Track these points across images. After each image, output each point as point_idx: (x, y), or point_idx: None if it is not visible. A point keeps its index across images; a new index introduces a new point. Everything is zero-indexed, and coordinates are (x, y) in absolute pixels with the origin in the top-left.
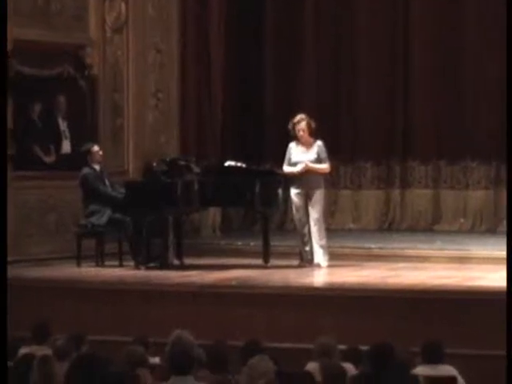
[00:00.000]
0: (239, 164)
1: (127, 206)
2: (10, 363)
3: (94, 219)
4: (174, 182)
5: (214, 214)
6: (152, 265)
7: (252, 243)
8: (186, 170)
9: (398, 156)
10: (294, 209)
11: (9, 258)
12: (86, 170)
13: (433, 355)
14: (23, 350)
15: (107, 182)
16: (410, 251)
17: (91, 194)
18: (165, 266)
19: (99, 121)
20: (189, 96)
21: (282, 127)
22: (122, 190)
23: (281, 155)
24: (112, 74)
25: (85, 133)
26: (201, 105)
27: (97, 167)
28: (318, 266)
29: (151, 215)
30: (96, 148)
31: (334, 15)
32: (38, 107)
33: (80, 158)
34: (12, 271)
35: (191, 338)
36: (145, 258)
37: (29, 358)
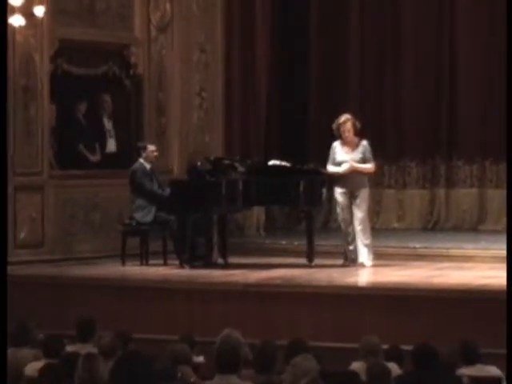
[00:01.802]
0: (283, 163)
1: (172, 205)
2: (55, 361)
3: (139, 216)
4: (219, 181)
5: (258, 213)
6: (196, 264)
7: (296, 242)
8: (231, 169)
9: (443, 155)
10: (338, 208)
11: (54, 257)
12: (136, 165)
13: (470, 355)
14: (68, 348)
15: (155, 181)
16: (455, 251)
17: (137, 188)
18: (209, 264)
19: (144, 120)
20: (233, 95)
21: (325, 126)
22: (169, 190)
23: (324, 154)
24: (157, 74)
25: (130, 132)
26: (245, 104)
27: (148, 166)
28: (362, 265)
29: (196, 214)
30: (152, 147)
31: (379, 15)
32: (83, 106)
33: (126, 157)
34: (57, 269)
35: (240, 338)
36: (189, 257)
37: (74, 356)
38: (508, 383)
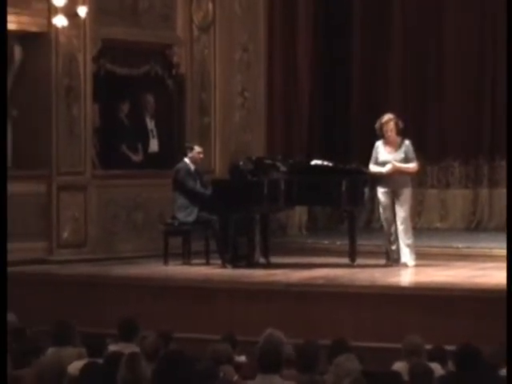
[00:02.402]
0: (325, 163)
1: (214, 205)
2: (99, 360)
3: (181, 215)
4: (261, 181)
5: (300, 212)
6: (238, 263)
7: (338, 242)
8: (272, 169)
9: (486, 155)
10: (380, 208)
11: (96, 256)
12: (180, 164)
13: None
14: (111, 348)
15: (198, 182)
16: (498, 251)
17: (180, 188)
18: (251, 264)
19: (186, 120)
20: (275, 95)
21: (368, 126)
22: (211, 190)
23: (367, 154)
24: (199, 73)
25: (172, 132)
26: (287, 104)
27: (192, 166)
28: (405, 265)
29: (238, 214)
30: (199, 149)
31: (421, 14)
32: (125, 106)
33: (169, 157)
34: (99, 269)
35: (282, 337)
36: (231, 257)
37: (117, 355)
38: (508, 382)
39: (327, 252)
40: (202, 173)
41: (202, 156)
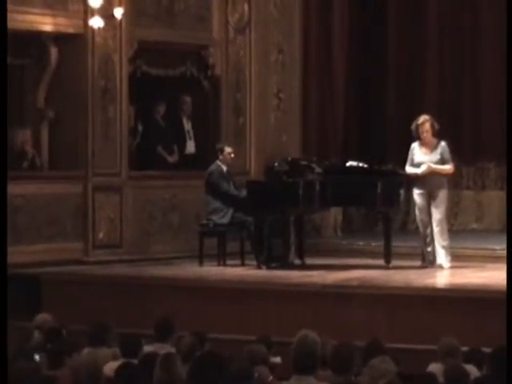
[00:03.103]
0: (361, 164)
1: (249, 206)
2: (133, 361)
3: (215, 218)
4: (296, 182)
5: (335, 213)
6: (273, 264)
7: (373, 243)
8: (308, 170)
9: None
10: (416, 209)
11: (132, 257)
12: (213, 167)
13: None
14: (146, 348)
15: (231, 183)
16: None
17: (214, 190)
18: (286, 265)
19: (222, 121)
20: (311, 96)
21: (404, 127)
22: (245, 191)
23: (403, 155)
24: (234, 74)
25: (207, 133)
26: (323, 105)
27: (224, 167)
28: (441, 267)
29: (273, 215)
30: (229, 149)
31: (457, 14)
32: (162, 108)
33: (204, 158)
34: (135, 270)
35: (317, 339)
36: (266, 258)
37: (152, 356)
38: (508, 382)
39: (362, 253)
40: (234, 174)
41: (233, 156)
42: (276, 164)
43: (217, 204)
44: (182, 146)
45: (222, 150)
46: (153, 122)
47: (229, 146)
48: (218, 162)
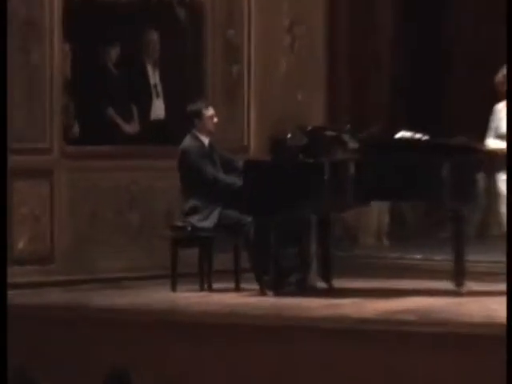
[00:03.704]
0: (418, 135)
1: (247, 200)
2: None
3: (196, 218)
4: (319, 164)
5: (379, 212)
6: (285, 289)
7: (437, 257)
8: (337, 145)
9: None
10: (502, 206)
11: (68, 277)
12: (188, 143)
13: None
14: None
15: (218, 164)
16: None
17: (193, 179)
18: (304, 290)
19: (206, 70)
20: (340, 32)
21: (478, 84)
22: (241, 177)
23: (479, 123)
24: (225, 1)
25: (185, 88)
26: (360, 47)
27: (205, 140)
28: None
29: (283, 214)
30: (210, 111)
31: None
32: (114, 51)
33: (179, 126)
34: (73, 296)
35: None
36: (274, 279)
37: None
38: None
39: (420, 272)
40: (224, 150)
41: (216, 120)
42: (288, 136)
43: (197, 200)
44: (146, 108)
45: (198, 114)
46: (100, 73)
47: (207, 105)
48: (196, 133)
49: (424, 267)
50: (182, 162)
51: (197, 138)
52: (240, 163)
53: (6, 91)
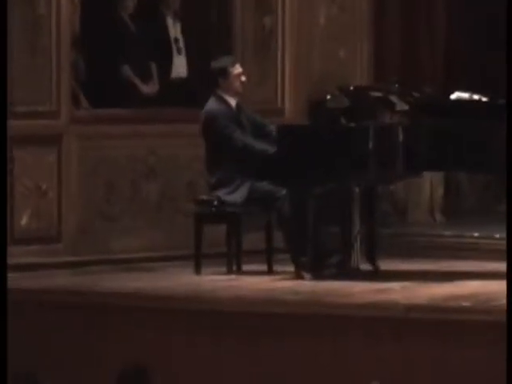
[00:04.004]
0: (476, 96)
1: (281, 170)
2: None
3: (223, 192)
4: (362, 129)
5: (432, 184)
6: (325, 272)
7: (497, 235)
8: (384, 107)
9: None
10: None
11: (78, 258)
12: (213, 105)
13: None
14: None
15: (248, 129)
16: None
17: (220, 147)
18: (346, 272)
19: (234, 23)
20: None
21: None
22: (275, 144)
23: None
24: None
25: (211, 42)
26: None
27: (232, 102)
28: None
29: (323, 186)
30: (237, 68)
31: None
32: (131, 1)
33: (204, 87)
34: (84, 280)
35: None
36: (313, 260)
37: None
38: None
39: (478, 252)
40: (255, 112)
41: (244, 78)
42: (328, 97)
43: (224, 169)
44: (166, 65)
45: (223, 72)
46: (115, 25)
47: (234, 62)
48: (221, 94)
49: (483, 246)
50: (207, 127)
51: (222, 100)
52: (273, 128)
53: (5, 45)
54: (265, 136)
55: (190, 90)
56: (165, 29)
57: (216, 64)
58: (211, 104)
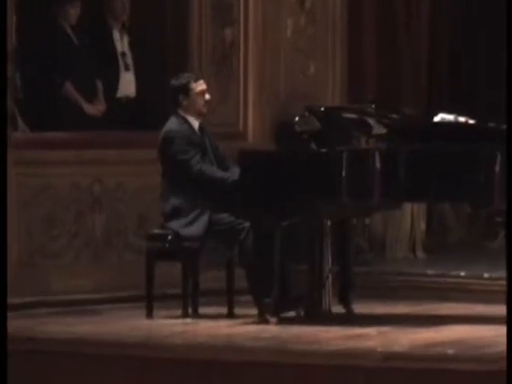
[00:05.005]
0: (462, 119)
1: (244, 201)
2: None
3: (179, 225)
4: (335, 154)
5: (412, 216)
6: (292, 314)
7: (486, 274)
8: (359, 131)
9: None
10: None
11: (14, 300)
12: (172, 126)
13: None
14: None
15: (211, 154)
16: None
17: (177, 172)
18: (316, 316)
19: (190, 35)
20: None
21: None
22: (236, 170)
23: None
24: None
25: (165, 58)
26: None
27: (195, 123)
28: None
29: (290, 218)
30: (201, 85)
31: None
32: (74, 11)
33: (156, 106)
34: (20, 324)
35: None
36: (277, 301)
37: None
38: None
39: (465, 294)
40: (216, 134)
41: (207, 98)
42: (297, 119)
43: (181, 197)
44: (113, 83)
45: (185, 89)
46: (56, 38)
47: (197, 78)
48: (182, 114)
49: (470, 287)
50: (163, 149)
51: (184, 120)
52: (231, 165)
53: (5, 45)
54: (224, 161)
55: (140, 111)
56: (111, 42)
57: (177, 80)
58: (171, 124)
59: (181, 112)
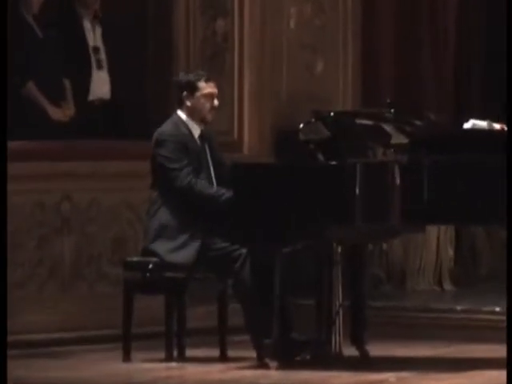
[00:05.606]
0: (497, 126)
1: (241, 223)
2: None
3: (164, 249)
4: (347, 168)
5: (437, 241)
6: (296, 358)
7: None
8: (375, 140)
9: None
10: None
11: None
12: (168, 128)
13: None
14: None
15: (211, 169)
16: None
17: (166, 184)
18: (324, 359)
19: (175, 27)
20: None
21: None
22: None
23: None
24: None
25: (143, 55)
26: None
27: (196, 130)
28: None
29: (294, 243)
30: (211, 87)
31: None
32: (36, 1)
33: (135, 110)
34: None
35: None
36: (279, 343)
37: None
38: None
39: (499, 332)
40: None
41: (216, 104)
42: (301, 126)
43: (168, 215)
44: (84, 83)
45: (191, 86)
46: (15, 29)
47: (209, 79)
48: (182, 116)
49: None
50: (154, 154)
51: (182, 123)
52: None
53: (6, 45)
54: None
55: (116, 117)
56: (81, 35)
57: (184, 76)
58: (166, 125)
59: (181, 113)
